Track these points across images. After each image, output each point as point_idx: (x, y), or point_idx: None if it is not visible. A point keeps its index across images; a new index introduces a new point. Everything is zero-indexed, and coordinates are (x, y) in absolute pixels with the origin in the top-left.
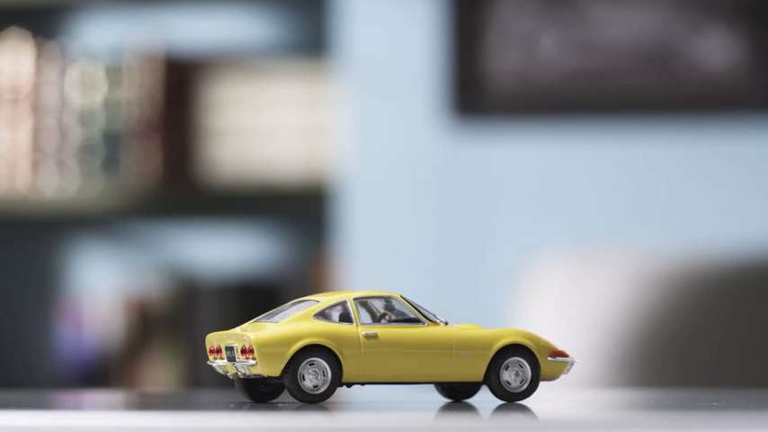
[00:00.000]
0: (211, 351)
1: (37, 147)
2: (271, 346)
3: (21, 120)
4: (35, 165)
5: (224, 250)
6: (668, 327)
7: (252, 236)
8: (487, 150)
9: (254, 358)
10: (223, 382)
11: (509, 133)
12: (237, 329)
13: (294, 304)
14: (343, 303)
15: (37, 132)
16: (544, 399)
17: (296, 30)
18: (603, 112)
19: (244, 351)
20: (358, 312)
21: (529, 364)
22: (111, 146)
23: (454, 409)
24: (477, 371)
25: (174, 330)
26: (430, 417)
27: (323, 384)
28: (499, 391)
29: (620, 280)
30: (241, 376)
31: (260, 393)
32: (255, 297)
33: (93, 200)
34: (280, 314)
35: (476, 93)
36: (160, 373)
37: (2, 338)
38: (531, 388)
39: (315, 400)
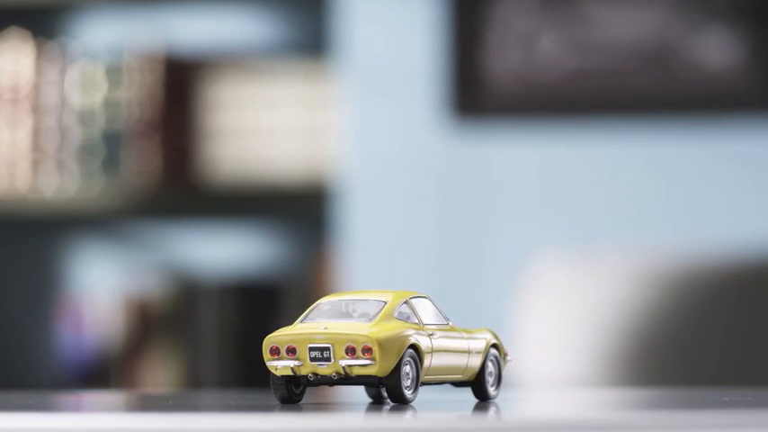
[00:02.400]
0: (274, 351)
1: (37, 147)
2: (389, 346)
3: (21, 120)
4: (35, 165)
5: (224, 250)
6: (668, 326)
7: (252, 236)
8: (487, 150)
9: (372, 358)
10: (223, 382)
11: (509, 133)
12: (320, 328)
13: (325, 303)
14: (407, 303)
15: (37, 132)
16: (544, 398)
17: (296, 30)
18: (603, 112)
19: (350, 351)
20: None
21: (498, 363)
22: (111, 146)
23: (450, 409)
24: (475, 370)
25: (174, 330)
26: (443, 417)
27: (411, 384)
28: (484, 390)
29: (620, 280)
30: (334, 377)
31: (293, 395)
32: (255, 297)
33: (93, 200)
34: (326, 314)
35: (476, 93)
36: (160, 373)
37: (2, 338)
38: (498, 386)
39: (408, 401)
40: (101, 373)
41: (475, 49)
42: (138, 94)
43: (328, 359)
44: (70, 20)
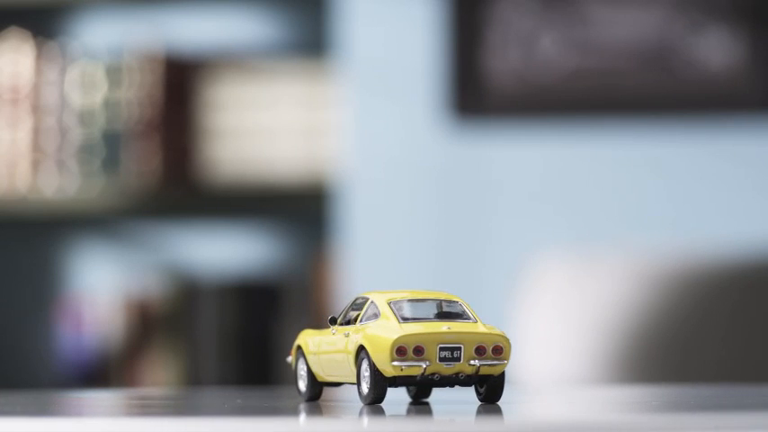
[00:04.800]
0: (402, 352)
1: (37, 147)
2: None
3: (21, 120)
4: (35, 165)
5: (224, 250)
6: (668, 326)
7: (252, 236)
8: (487, 150)
9: (502, 357)
10: (223, 382)
11: (509, 133)
12: (442, 328)
13: (401, 303)
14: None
15: (37, 132)
16: (548, 399)
17: (296, 30)
18: (603, 112)
19: (480, 351)
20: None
21: None
22: (111, 146)
23: (455, 412)
24: None
25: (174, 330)
26: (454, 419)
27: None
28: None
29: (620, 280)
30: (462, 377)
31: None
32: (255, 297)
33: (93, 200)
34: (418, 314)
35: (476, 93)
36: (160, 373)
37: (2, 338)
38: None
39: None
40: (101, 373)
41: (475, 49)
42: (138, 94)
43: (457, 359)
44: (70, 20)
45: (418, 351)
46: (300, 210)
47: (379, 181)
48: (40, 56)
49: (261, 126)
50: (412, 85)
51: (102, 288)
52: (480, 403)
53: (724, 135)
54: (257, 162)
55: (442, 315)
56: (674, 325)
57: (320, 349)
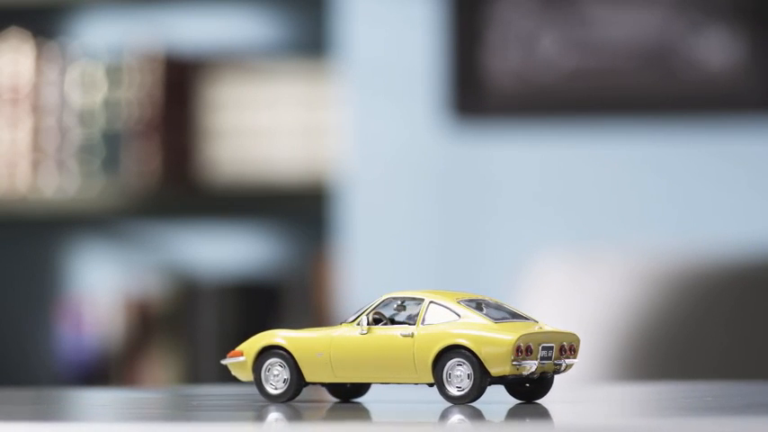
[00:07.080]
0: (518, 351)
1: (37, 147)
2: None
3: (21, 120)
4: (35, 165)
5: (224, 250)
6: (668, 326)
7: (252, 236)
8: (487, 150)
9: (575, 356)
10: (223, 382)
11: (509, 133)
12: (535, 328)
13: (468, 302)
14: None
15: (37, 132)
16: (555, 400)
17: (296, 30)
18: (603, 112)
19: (562, 350)
20: None
21: None
22: (111, 146)
23: (472, 412)
24: None
25: (174, 330)
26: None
27: None
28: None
29: (620, 279)
30: (549, 376)
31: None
32: (255, 297)
33: (93, 200)
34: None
35: (476, 93)
36: (160, 372)
37: (2, 338)
38: None
39: None
40: (101, 373)
41: (475, 49)
42: (138, 94)
43: (550, 358)
44: (70, 20)
45: (529, 351)
46: (300, 210)
47: (379, 181)
48: (40, 56)
49: (261, 126)
50: (412, 86)
51: (102, 288)
52: (519, 401)
53: (724, 135)
54: (257, 162)
55: (516, 316)
56: (674, 324)
57: (337, 348)
